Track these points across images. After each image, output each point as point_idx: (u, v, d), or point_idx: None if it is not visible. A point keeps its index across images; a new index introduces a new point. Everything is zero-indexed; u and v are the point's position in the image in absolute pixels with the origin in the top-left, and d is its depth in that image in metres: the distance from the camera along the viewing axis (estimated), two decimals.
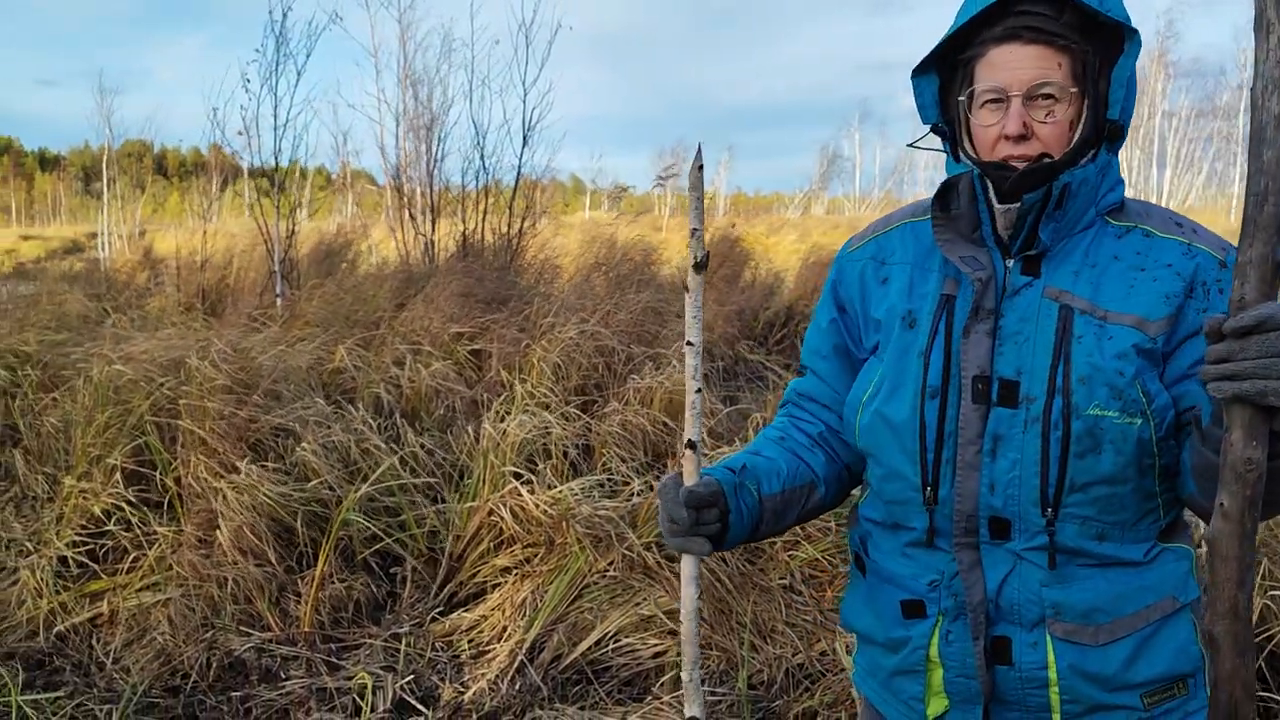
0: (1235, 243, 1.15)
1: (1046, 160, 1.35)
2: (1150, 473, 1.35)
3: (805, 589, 3.52)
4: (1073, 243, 1.39)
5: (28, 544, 4.43)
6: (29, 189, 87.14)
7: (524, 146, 9.62)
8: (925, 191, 48.17)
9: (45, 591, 4.08)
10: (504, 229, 9.40)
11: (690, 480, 1.43)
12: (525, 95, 9.58)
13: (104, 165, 23.35)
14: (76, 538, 4.30)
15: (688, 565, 1.45)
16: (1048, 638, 1.37)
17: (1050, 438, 1.33)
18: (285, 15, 8.78)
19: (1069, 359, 1.33)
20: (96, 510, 4.31)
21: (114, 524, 4.30)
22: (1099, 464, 1.32)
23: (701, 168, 1.39)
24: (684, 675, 1.49)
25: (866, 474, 1.59)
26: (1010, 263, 1.40)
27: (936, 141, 1.54)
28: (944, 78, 1.48)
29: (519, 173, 9.58)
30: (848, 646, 3.36)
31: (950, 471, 1.39)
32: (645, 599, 3.73)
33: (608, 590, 3.81)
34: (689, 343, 1.43)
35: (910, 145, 1.62)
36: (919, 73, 1.47)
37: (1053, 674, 1.38)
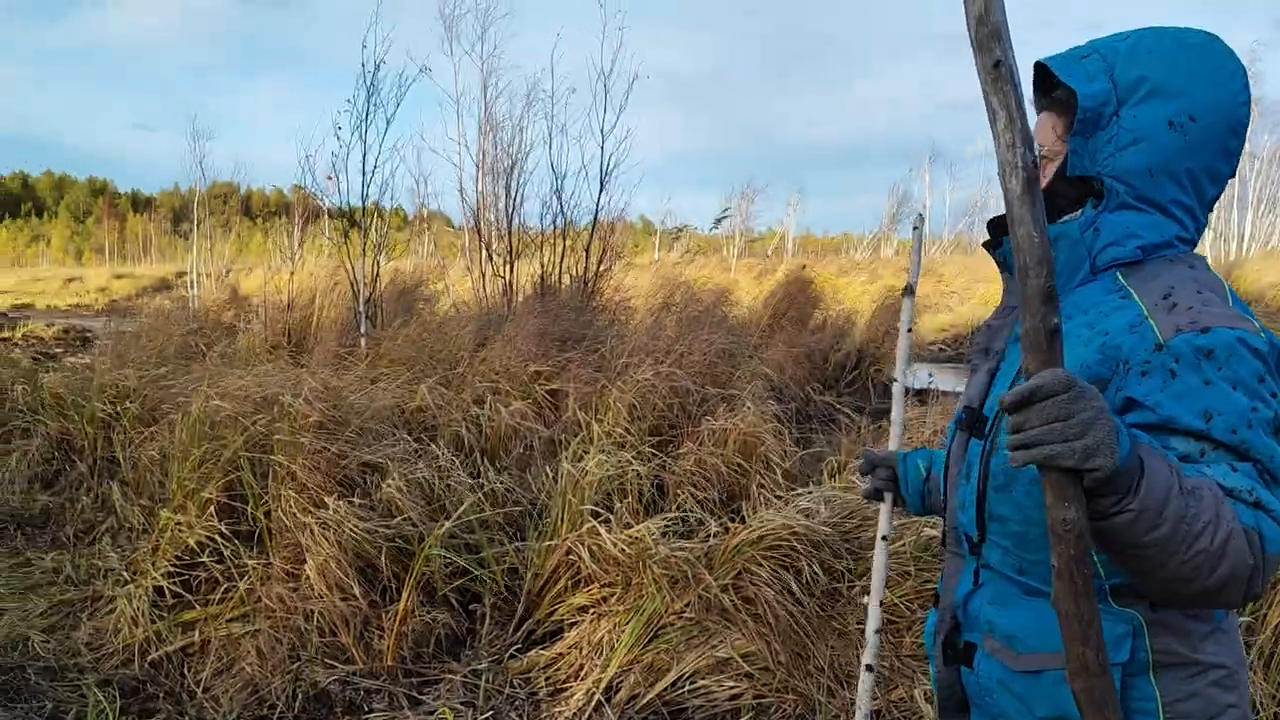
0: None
1: None
2: None
3: (883, 633, 3.51)
4: (1073, 295, 1.46)
5: (125, 574, 4.60)
6: (122, 229, 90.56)
7: (601, 191, 9.79)
8: None
9: (141, 620, 4.24)
10: (579, 270, 9.55)
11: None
12: (603, 142, 9.76)
13: (194, 206, 24.17)
14: (171, 568, 4.46)
15: (881, 512, 2.05)
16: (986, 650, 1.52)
17: (986, 469, 1.47)
18: (378, 67, 9.12)
19: None
20: (190, 542, 4.46)
21: (207, 556, 4.45)
22: (1011, 500, 1.43)
23: (917, 228, 1.79)
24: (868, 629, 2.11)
25: None
26: None
27: None
28: None
29: (595, 216, 9.75)
30: (926, 694, 3.34)
31: (947, 488, 1.63)
32: (722, 641, 3.75)
33: (684, 631, 3.83)
34: (894, 379, 2.16)
35: None
36: None
37: (994, 685, 1.50)
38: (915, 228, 2.10)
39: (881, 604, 2.11)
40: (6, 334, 18.64)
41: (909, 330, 2.10)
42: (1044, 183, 1.46)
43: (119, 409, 5.84)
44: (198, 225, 24.05)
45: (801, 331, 12.60)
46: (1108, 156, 1.41)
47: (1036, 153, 1.16)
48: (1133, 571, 1.26)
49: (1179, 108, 1.38)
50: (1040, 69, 1.51)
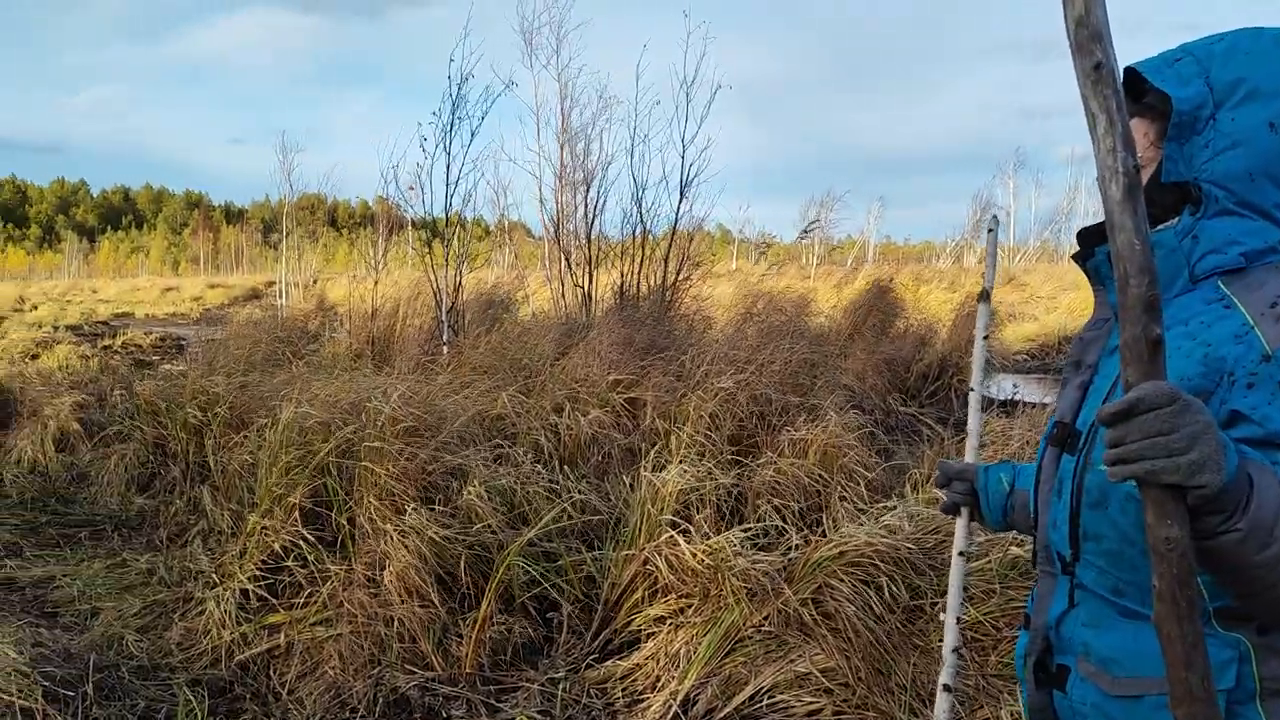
0: None
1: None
2: None
3: (968, 652, 3.42)
4: (1170, 306, 1.38)
5: (214, 576, 4.73)
6: (216, 240, 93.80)
7: (681, 200, 9.79)
8: None
9: (228, 622, 4.34)
10: (658, 279, 9.56)
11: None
12: (684, 151, 9.77)
13: (282, 218, 24.87)
14: (257, 572, 4.56)
15: (957, 527, 2.01)
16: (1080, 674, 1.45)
17: (1079, 486, 1.42)
18: (464, 80, 9.28)
19: None
20: (276, 546, 4.57)
21: (291, 560, 4.54)
22: (1107, 518, 1.37)
23: (992, 230, 1.90)
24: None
25: None
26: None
27: None
28: None
29: (675, 225, 9.76)
30: (1014, 715, 3.24)
31: (1038, 505, 1.56)
32: (800, 656, 3.70)
33: (762, 645, 3.79)
34: (971, 389, 2.08)
35: None
36: None
37: (1089, 710, 1.44)
38: (990, 229, 2.04)
39: (960, 621, 2.05)
40: (108, 341, 19.40)
41: (985, 337, 2.04)
42: None
43: (209, 415, 6.01)
44: (286, 236, 24.74)
45: (882, 340, 12.41)
46: (1205, 161, 1.36)
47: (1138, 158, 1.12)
48: (1240, 593, 1.21)
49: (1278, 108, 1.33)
50: (1130, 74, 1.46)
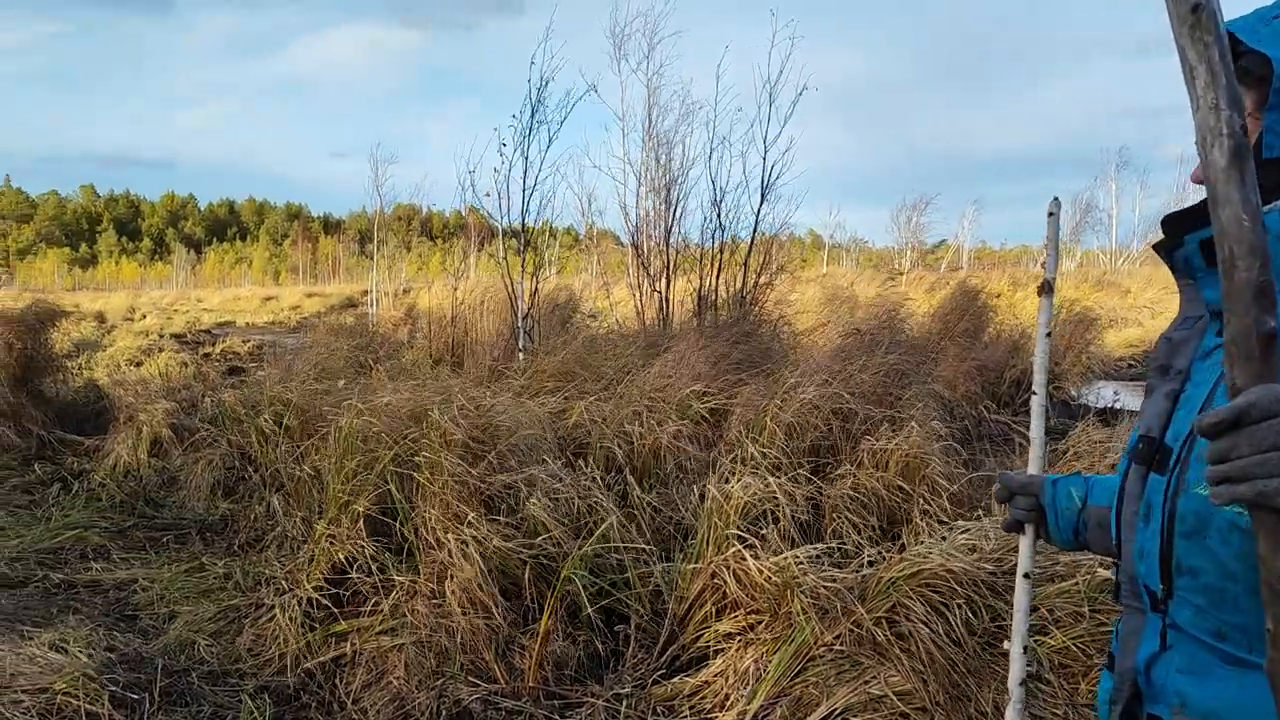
0: None
1: (1194, 208, 1.24)
2: None
3: (1055, 679, 3.20)
4: None
5: (284, 583, 4.74)
6: (314, 250, 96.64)
7: (762, 203, 9.60)
8: None
9: (295, 629, 4.34)
10: (738, 285, 9.39)
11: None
12: (765, 153, 9.57)
13: (375, 228, 25.42)
14: (323, 580, 4.56)
15: (1020, 546, 1.80)
16: None
17: (1169, 512, 1.22)
18: (544, 83, 9.26)
19: (1195, 432, 1.16)
20: (341, 555, 4.56)
21: (355, 570, 4.53)
22: (1205, 550, 1.17)
23: (1052, 214, 1.70)
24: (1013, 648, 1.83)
25: None
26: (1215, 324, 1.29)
27: None
28: None
29: (755, 229, 9.58)
30: None
31: (1120, 531, 1.36)
32: (875, 677, 3.51)
33: (835, 665, 3.61)
34: (1033, 392, 1.84)
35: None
36: None
37: None
38: (1050, 213, 1.79)
39: (1027, 650, 1.85)
40: (208, 349, 20.05)
41: (1048, 334, 1.80)
42: None
43: (282, 422, 6.07)
44: (378, 246, 25.27)
45: (973, 346, 12.03)
46: None
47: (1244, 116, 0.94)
48: None
49: None
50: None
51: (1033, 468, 1.82)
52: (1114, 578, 1.43)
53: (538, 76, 9.32)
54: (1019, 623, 1.85)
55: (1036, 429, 1.85)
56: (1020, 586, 1.84)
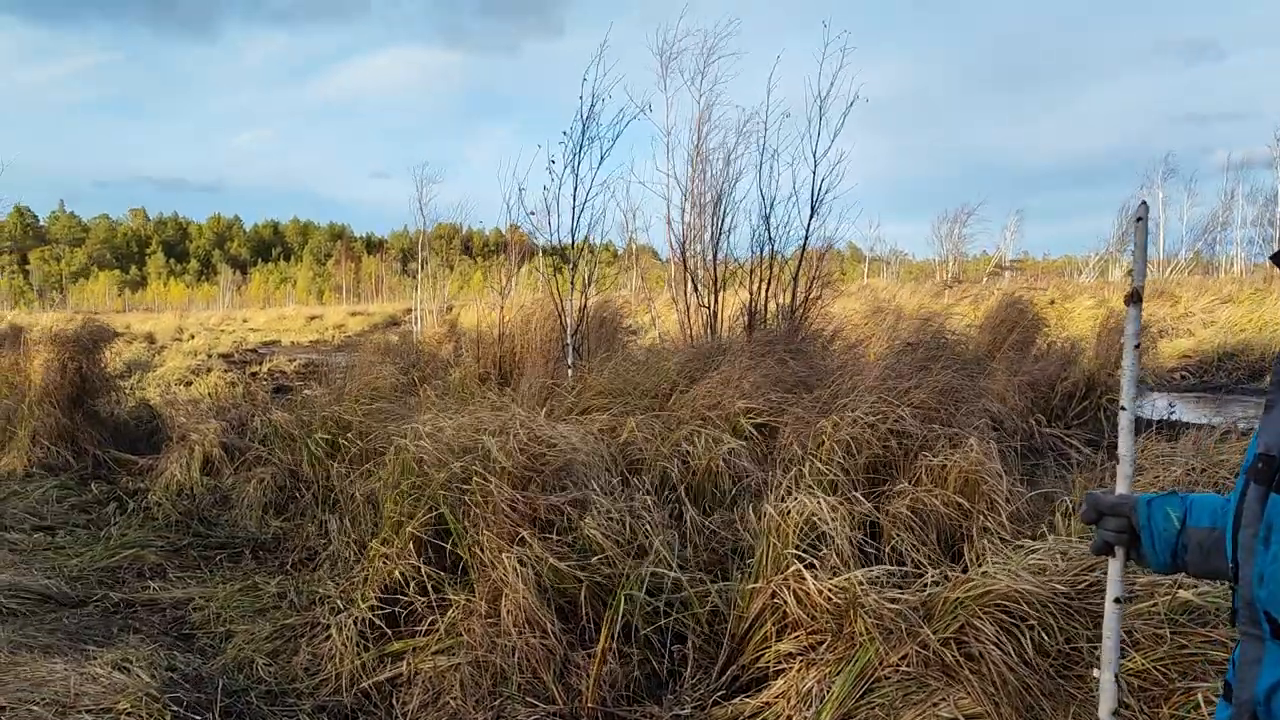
0: None
1: None
2: None
3: (1134, 702, 3.10)
4: None
5: (339, 602, 4.74)
6: (357, 269, 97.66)
7: (812, 217, 9.51)
8: (1240, 252, 43.54)
9: (351, 649, 4.34)
10: (787, 299, 9.30)
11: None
12: (815, 166, 9.49)
13: (418, 247, 25.65)
14: (377, 600, 4.55)
15: (1110, 569, 1.75)
16: None
17: None
18: (595, 102, 9.24)
19: None
20: (396, 574, 4.55)
21: (411, 589, 4.51)
22: None
23: (1141, 219, 1.63)
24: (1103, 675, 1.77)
25: None
26: None
27: None
28: None
29: (805, 242, 9.49)
30: None
31: (1238, 554, 1.30)
32: (944, 699, 3.43)
33: (900, 687, 3.53)
34: (1122, 408, 1.81)
35: None
36: None
37: None
38: (1139, 218, 1.72)
39: (1118, 678, 1.78)
40: (255, 368, 20.30)
41: (1136, 346, 1.74)
42: None
43: (336, 442, 6.09)
44: (422, 264, 25.49)
45: (1024, 359, 11.84)
46: None
47: None
48: None
49: None
50: None
51: (1121, 487, 1.75)
52: (1231, 604, 1.35)
53: (589, 94, 9.31)
54: (1109, 650, 1.78)
55: (1125, 445, 1.78)
56: (1110, 611, 1.77)
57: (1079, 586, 3.42)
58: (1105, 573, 3.51)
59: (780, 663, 3.93)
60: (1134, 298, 1.73)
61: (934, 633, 3.54)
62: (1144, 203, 1.72)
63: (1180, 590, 3.22)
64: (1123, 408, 1.78)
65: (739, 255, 10.47)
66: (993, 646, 3.34)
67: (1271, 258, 1.32)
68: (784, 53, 9.94)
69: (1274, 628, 1.23)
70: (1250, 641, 1.28)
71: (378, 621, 4.45)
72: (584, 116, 9.25)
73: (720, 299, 9.73)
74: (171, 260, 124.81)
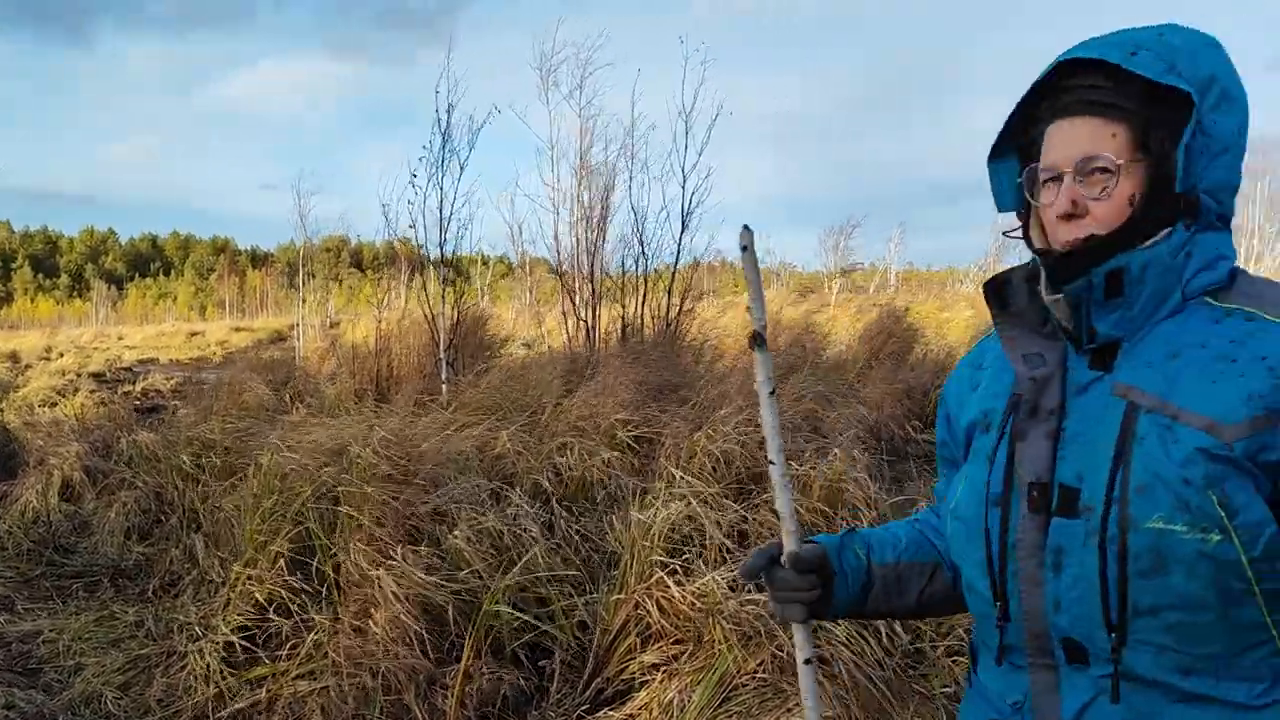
0: None
1: (1094, 241, 1.22)
2: (1246, 600, 1.13)
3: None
4: (1156, 330, 1.22)
5: (198, 629, 4.59)
6: (242, 284, 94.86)
7: (683, 231, 9.66)
8: None
9: (211, 677, 4.20)
10: (662, 312, 9.42)
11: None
12: (684, 180, 9.64)
13: (300, 260, 25.05)
14: (243, 623, 4.42)
15: (799, 633, 1.51)
16: None
17: (1108, 553, 1.17)
18: (450, 111, 9.21)
19: (1128, 464, 1.16)
20: (260, 596, 4.43)
21: (274, 611, 4.40)
22: (1168, 585, 1.14)
23: (746, 248, 1.36)
24: None
25: None
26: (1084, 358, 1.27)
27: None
28: (1023, 161, 1.36)
29: (678, 256, 9.63)
30: None
31: (1016, 586, 1.27)
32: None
33: (758, 694, 3.59)
34: (771, 462, 1.47)
35: (1005, 234, 1.48)
36: (995, 157, 1.39)
37: None
38: (744, 247, 1.37)
39: None
40: (129, 388, 19.48)
41: (772, 393, 1.43)
42: (1129, 202, 1.21)
43: (201, 462, 5.91)
44: (305, 278, 24.90)
45: (900, 367, 12.22)
46: (1203, 168, 1.19)
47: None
48: None
49: (1242, 116, 1.21)
50: (1069, 67, 1.25)
51: (789, 544, 1.48)
52: (994, 645, 1.33)
53: (443, 104, 9.29)
54: (811, 711, 1.57)
55: (784, 504, 1.48)
56: (804, 673, 1.55)
57: None
58: None
59: (645, 674, 3.96)
60: (757, 341, 1.40)
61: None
62: (746, 226, 1.37)
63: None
64: (772, 462, 1.48)
65: (617, 269, 10.57)
66: (843, 648, 3.43)
67: (987, 287, 1.36)
68: (649, 68, 10.12)
69: (1069, 654, 1.23)
70: (1040, 672, 1.28)
71: (243, 645, 4.33)
72: (442, 129, 9.24)
73: (597, 312, 9.79)
74: (40, 275, 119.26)
